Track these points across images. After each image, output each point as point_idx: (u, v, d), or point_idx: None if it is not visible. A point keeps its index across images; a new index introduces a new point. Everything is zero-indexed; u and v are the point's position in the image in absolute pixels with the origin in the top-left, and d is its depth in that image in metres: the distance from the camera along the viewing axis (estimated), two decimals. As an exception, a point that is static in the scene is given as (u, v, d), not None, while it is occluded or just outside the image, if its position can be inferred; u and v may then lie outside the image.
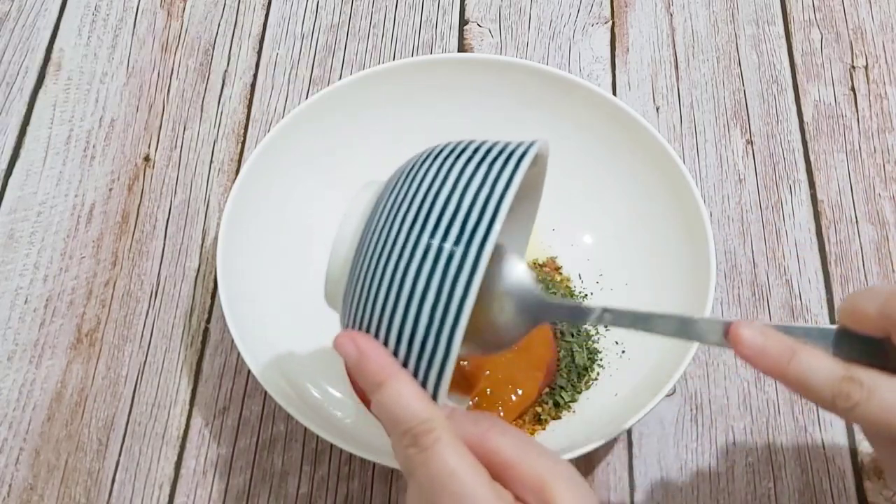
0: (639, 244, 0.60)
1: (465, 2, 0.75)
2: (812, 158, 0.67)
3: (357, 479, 0.55)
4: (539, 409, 0.56)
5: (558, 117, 0.62)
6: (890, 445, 0.40)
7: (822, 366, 0.38)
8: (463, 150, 0.41)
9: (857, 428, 0.56)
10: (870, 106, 0.69)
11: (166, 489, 0.54)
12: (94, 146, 0.67)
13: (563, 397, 0.56)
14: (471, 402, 0.54)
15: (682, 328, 0.42)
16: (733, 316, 0.61)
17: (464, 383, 0.54)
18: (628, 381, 0.55)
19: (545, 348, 0.57)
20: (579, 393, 0.56)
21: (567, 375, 0.57)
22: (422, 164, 0.41)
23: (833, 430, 0.56)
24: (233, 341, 0.57)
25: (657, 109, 0.69)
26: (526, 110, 0.62)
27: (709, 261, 0.54)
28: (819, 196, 0.65)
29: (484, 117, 0.63)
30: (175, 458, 0.55)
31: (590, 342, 0.58)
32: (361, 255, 0.40)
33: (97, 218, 0.64)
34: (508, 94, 0.62)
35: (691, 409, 0.57)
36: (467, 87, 0.62)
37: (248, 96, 0.70)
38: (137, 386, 0.58)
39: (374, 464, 0.55)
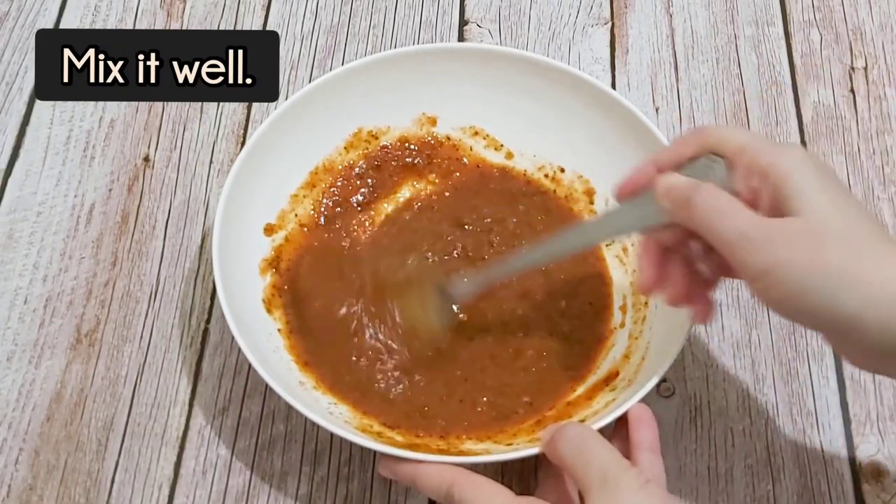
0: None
1: (465, 2, 0.75)
2: (811, 160, 0.67)
3: (357, 480, 0.55)
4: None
5: (557, 110, 0.62)
6: None
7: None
8: None
9: (855, 430, 0.56)
10: (869, 108, 0.69)
11: (165, 490, 0.54)
12: (93, 146, 0.67)
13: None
14: None
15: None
16: (732, 318, 0.61)
17: None
18: (622, 373, 0.55)
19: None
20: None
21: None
22: None
23: (832, 433, 0.56)
24: (232, 341, 0.58)
25: (657, 110, 0.69)
26: (526, 103, 0.63)
27: None
28: (818, 197, 0.65)
29: (483, 107, 0.63)
30: (174, 458, 0.55)
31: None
32: None
33: (97, 218, 0.64)
34: (508, 85, 0.62)
35: (690, 411, 0.57)
36: (468, 77, 0.63)
37: (248, 97, 0.70)
38: (137, 386, 0.58)
39: (374, 464, 0.55)
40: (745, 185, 0.44)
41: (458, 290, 0.56)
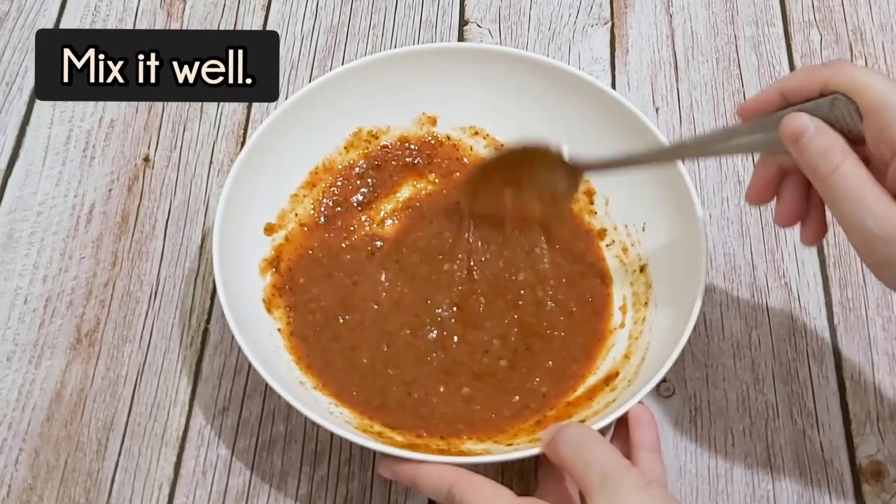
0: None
1: (465, 2, 0.75)
2: (811, 160, 0.67)
3: (356, 480, 0.55)
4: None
5: (557, 110, 0.62)
6: None
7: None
8: None
9: (855, 430, 0.56)
10: (869, 107, 0.69)
11: (165, 490, 0.54)
12: (93, 146, 0.67)
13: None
14: None
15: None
16: (732, 318, 0.61)
17: None
18: (622, 373, 0.55)
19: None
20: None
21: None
22: None
23: (832, 433, 0.56)
24: (232, 341, 0.58)
25: (657, 110, 0.69)
26: (526, 102, 0.63)
27: (700, 262, 0.54)
28: (818, 198, 0.65)
29: (483, 107, 0.64)
30: (174, 458, 0.55)
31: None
32: None
33: (97, 218, 0.64)
34: (508, 85, 0.63)
35: (690, 411, 0.57)
36: (468, 77, 0.63)
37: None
38: (137, 386, 0.58)
39: (374, 464, 0.55)
40: (874, 147, 0.41)
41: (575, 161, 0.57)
